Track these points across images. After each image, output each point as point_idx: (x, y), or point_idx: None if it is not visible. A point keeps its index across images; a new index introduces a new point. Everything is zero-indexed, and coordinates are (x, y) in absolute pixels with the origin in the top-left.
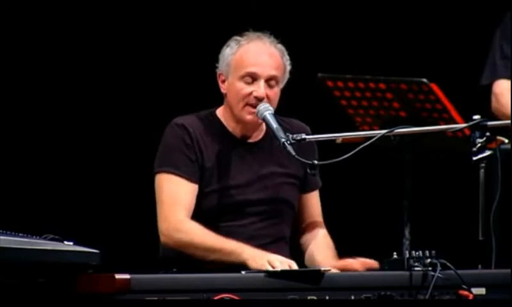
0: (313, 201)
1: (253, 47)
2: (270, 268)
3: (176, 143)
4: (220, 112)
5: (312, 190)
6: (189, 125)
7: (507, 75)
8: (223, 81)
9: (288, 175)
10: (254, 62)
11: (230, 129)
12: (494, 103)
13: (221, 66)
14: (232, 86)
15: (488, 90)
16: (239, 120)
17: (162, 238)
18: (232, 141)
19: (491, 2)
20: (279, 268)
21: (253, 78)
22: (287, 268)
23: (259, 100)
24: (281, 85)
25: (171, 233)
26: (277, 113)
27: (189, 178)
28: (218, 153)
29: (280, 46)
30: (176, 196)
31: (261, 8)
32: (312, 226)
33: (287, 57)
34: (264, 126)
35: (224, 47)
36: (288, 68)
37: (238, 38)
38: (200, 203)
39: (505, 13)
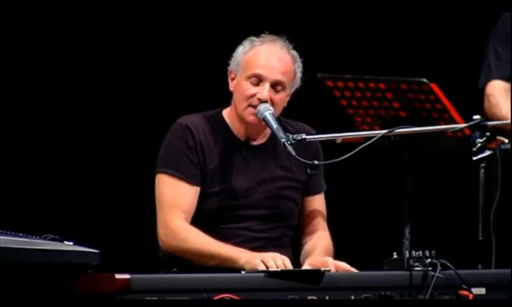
0: (317, 205)
1: (264, 49)
2: (263, 267)
3: (179, 145)
4: (226, 113)
5: (316, 193)
6: (193, 125)
7: (500, 76)
8: (232, 79)
9: (291, 179)
10: (262, 65)
11: (235, 131)
12: (485, 104)
13: (232, 64)
14: (239, 84)
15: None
16: (241, 120)
17: (161, 244)
18: (236, 143)
19: (491, 2)
20: (273, 266)
21: (259, 80)
22: (280, 264)
23: (262, 102)
24: (290, 91)
25: (169, 239)
26: (281, 115)
27: (190, 181)
28: (221, 155)
29: (293, 52)
30: (175, 200)
31: (260, 8)
32: (315, 229)
33: (299, 64)
34: (268, 129)
35: (239, 46)
36: (299, 75)
37: (253, 38)
38: (201, 205)
39: (498, 15)
